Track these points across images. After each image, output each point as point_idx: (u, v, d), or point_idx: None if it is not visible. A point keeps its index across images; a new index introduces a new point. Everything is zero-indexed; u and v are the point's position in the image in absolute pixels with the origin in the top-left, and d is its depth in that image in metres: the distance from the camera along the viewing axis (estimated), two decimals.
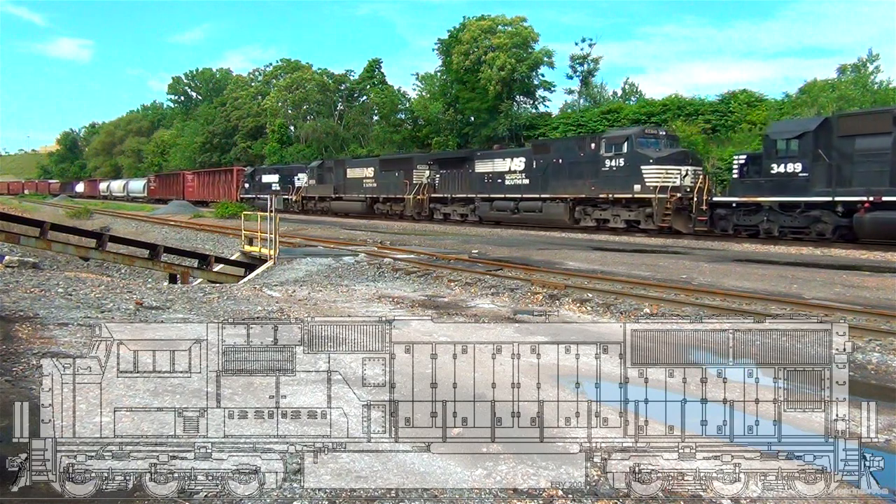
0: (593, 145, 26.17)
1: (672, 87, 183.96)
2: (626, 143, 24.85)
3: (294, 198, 46.31)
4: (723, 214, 22.17)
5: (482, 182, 31.46)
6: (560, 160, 27.43)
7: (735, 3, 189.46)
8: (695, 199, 23.10)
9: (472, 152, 34.59)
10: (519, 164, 29.65)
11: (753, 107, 36.24)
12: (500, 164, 30.67)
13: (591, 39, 46.70)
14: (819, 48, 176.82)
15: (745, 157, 22.62)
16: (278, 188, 47.99)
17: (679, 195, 23.41)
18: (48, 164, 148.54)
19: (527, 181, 29.04)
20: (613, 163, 25.14)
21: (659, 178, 23.49)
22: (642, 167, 24.00)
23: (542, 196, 27.97)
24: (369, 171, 39.57)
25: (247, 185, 51.63)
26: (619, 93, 48.02)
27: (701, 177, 23.87)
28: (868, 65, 33.51)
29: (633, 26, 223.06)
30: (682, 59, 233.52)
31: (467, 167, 32.66)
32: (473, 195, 32.01)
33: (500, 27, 47.02)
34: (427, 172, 35.62)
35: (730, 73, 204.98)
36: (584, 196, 26.34)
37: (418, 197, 35.49)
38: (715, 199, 22.63)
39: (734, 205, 21.81)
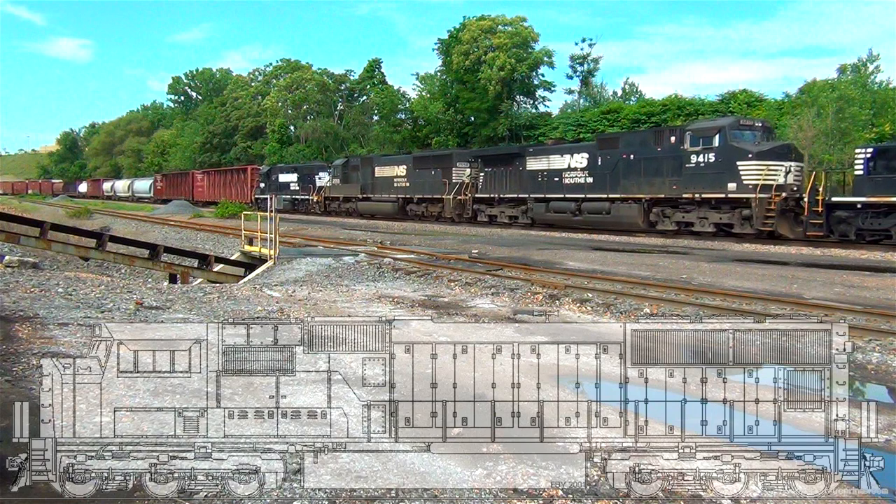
0: (673, 138, 23.10)
1: (672, 87, 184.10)
2: (717, 136, 21.75)
3: (315, 198, 43.32)
4: (844, 217, 19.29)
5: (535, 181, 28.35)
6: (632, 156, 24.43)
7: (735, 3, 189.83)
8: (807, 199, 19.85)
9: (523, 148, 31.39)
10: (580, 160, 26.57)
11: (753, 107, 36.28)
12: (557, 161, 27.56)
13: (590, 39, 47.01)
14: (819, 48, 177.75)
15: (871, 150, 19.40)
16: (297, 188, 45.74)
17: (784, 195, 20.39)
18: (48, 164, 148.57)
19: (590, 180, 26.02)
20: (701, 158, 22.04)
21: (759, 175, 20.50)
22: (739, 163, 20.96)
23: (611, 196, 25.00)
24: (401, 170, 36.48)
25: (262, 185, 48.87)
26: (619, 93, 48.19)
27: (814, 173, 20.82)
28: (868, 65, 33.53)
29: (633, 26, 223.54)
30: (682, 59, 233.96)
31: (517, 164, 29.41)
32: (525, 195, 28.81)
33: (500, 27, 47.11)
34: (468, 170, 32.62)
35: (730, 73, 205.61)
36: (662, 196, 23.30)
37: (459, 197, 32.47)
38: (834, 199, 19.56)
39: (859, 206, 18.92)
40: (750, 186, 20.72)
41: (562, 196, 27.15)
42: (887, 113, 29.96)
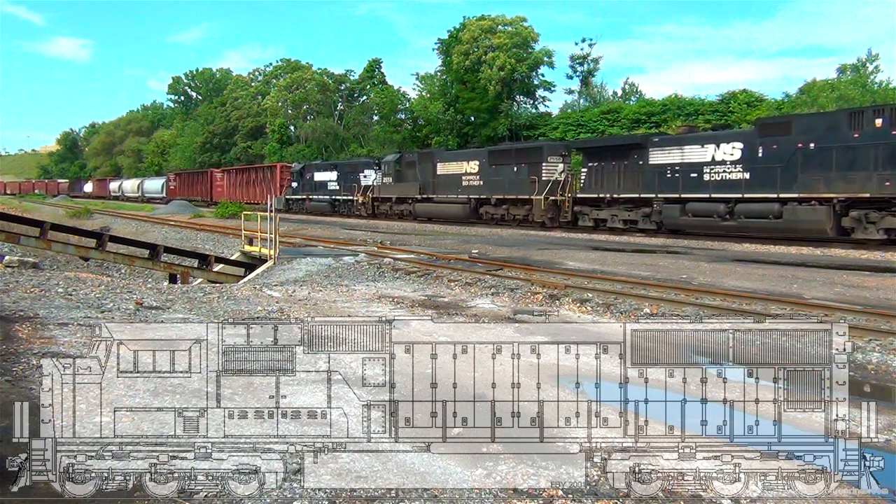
0: (880, 121, 18.12)
1: (672, 87, 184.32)
2: None
3: (361, 199, 38.91)
4: None
5: (662, 177, 23.47)
6: (812, 144, 19.46)
7: (735, 3, 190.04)
8: None
9: (644, 137, 26.17)
10: (731, 151, 21.64)
11: (753, 107, 36.27)
12: (695, 153, 22.69)
13: (590, 39, 46.99)
14: (819, 48, 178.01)
15: None
16: (337, 187, 41.63)
17: None
18: (48, 164, 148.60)
19: (746, 175, 21.04)
20: None
21: None
22: None
23: (782, 196, 19.95)
24: (472, 166, 31.80)
25: (294, 185, 45.05)
26: (619, 93, 48.21)
27: None
28: (868, 65, 33.63)
29: (633, 26, 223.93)
30: (681, 59, 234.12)
31: (635, 157, 24.63)
32: (650, 195, 23.84)
33: (500, 27, 47.10)
34: (560, 166, 28.11)
35: (730, 73, 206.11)
36: (866, 196, 18.29)
37: (552, 198, 27.79)
38: None
39: None
40: None
41: (705, 196, 22.04)
42: None
